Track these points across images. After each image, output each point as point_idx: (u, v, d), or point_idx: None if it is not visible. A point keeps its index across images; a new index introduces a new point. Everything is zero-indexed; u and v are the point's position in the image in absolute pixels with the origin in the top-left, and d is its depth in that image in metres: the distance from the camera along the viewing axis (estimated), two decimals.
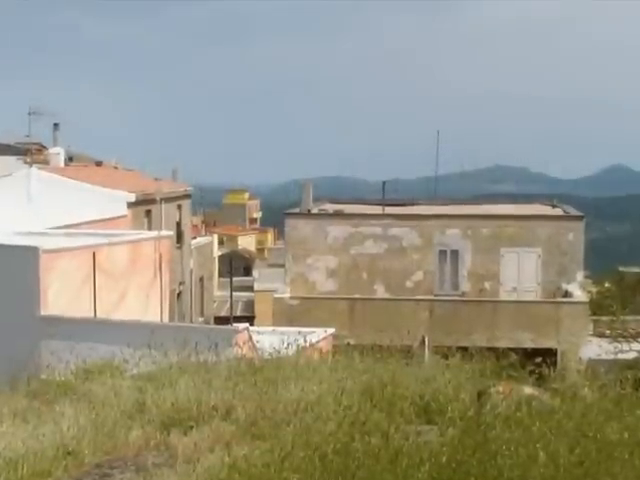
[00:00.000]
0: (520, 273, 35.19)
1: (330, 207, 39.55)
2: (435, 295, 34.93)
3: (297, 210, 37.55)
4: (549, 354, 28.19)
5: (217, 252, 63.43)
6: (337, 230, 35.68)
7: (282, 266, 37.52)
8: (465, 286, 35.52)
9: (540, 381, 12.33)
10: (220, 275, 62.23)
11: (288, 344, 14.47)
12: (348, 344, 21.32)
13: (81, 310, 23.08)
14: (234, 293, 45.04)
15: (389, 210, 37.53)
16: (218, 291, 57.04)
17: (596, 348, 30.07)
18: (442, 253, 35.65)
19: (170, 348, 13.60)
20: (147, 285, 26.62)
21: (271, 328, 24.72)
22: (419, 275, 35.47)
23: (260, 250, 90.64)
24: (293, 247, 35.64)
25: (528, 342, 31.06)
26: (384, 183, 40.76)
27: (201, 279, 47.19)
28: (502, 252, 35.33)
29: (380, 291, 34.77)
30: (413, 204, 41.98)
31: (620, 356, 25.49)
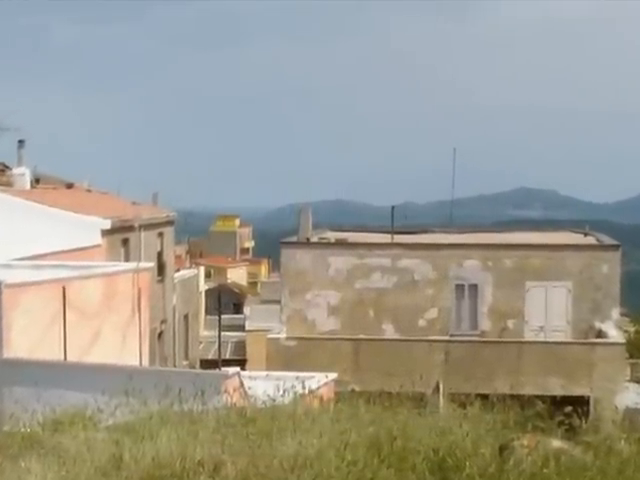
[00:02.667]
0: (548, 310, 35.20)
1: (332, 235, 39.63)
2: (451, 335, 34.93)
3: (294, 238, 37.60)
4: (581, 402, 28.15)
5: (204, 286, 63.32)
6: (340, 261, 35.72)
7: (277, 302, 37.48)
8: (485, 325, 35.53)
9: (570, 433, 12.32)
10: (207, 312, 62.04)
11: (284, 391, 14.48)
12: (352, 391, 21.34)
13: (49, 352, 23.08)
14: (223, 333, 44.89)
15: (398, 239, 37.59)
16: (205, 331, 56.86)
17: (634, 395, 30.04)
18: (459, 287, 35.67)
19: (150, 396, 13.61)
20: (124, 324, 26.61)
21: (265, 373, 24.72)
22: (433, 312, 35.49)
23: (252, 284, 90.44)
24: (290, 281, 35.65)
25: (557, 389, 31.03)
26: (393, 208, 40.86)
27: (185, 317, 47.65)
28: (527, 286, 35.36)
29: (389, 331, 34.74)
30: (426, 232, 42.05)
31: None
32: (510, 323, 35.28)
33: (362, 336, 33.59)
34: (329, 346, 32.47)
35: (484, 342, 34.20)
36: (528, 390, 28.39)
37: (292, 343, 32.37)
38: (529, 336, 35.03)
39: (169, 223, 47.54)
